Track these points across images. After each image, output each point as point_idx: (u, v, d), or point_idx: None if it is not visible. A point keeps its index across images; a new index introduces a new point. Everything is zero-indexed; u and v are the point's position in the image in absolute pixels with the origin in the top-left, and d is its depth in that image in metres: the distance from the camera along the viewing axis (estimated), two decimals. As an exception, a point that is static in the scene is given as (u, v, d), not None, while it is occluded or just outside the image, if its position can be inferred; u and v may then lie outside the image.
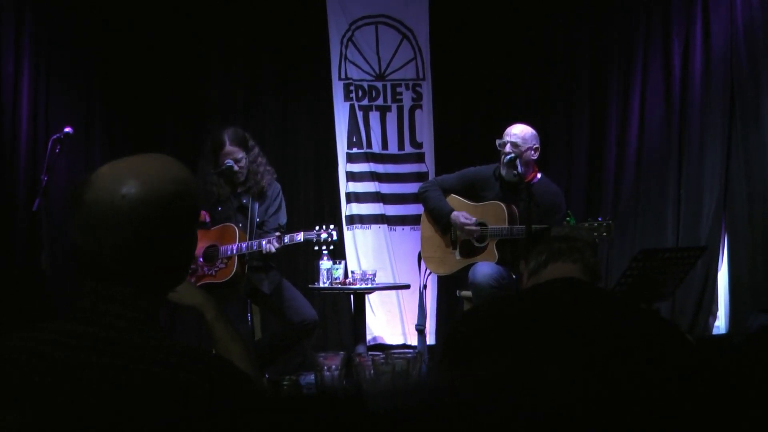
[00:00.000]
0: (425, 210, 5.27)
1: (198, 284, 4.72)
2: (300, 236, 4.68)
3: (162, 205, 1.39)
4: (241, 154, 4.76)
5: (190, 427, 1.30)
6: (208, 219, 4.78)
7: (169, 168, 1.44)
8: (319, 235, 4.68)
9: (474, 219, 4.99)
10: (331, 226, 4.76)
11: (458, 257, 5.09)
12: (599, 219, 4.64)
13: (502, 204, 4.93)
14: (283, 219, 4.96)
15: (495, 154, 5.04)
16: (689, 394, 1.46)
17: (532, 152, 4.96)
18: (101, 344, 1.35)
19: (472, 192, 5.12)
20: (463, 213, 5.02)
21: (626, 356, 1.50)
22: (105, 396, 1.30)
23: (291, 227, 4.86)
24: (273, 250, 4.60)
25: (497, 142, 4.99)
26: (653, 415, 1.44)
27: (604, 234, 4.59)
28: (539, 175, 5.03)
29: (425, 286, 5.46)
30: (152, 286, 1.43)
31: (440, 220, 5.15)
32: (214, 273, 4.73)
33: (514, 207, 4.89)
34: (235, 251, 4.68)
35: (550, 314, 1.60)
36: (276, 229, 4.87)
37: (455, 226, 5.07)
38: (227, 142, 4.73)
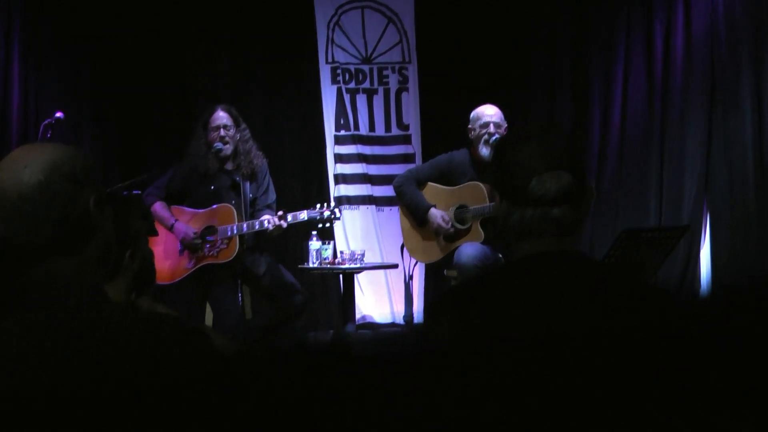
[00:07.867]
0: (401, 205, 5.27)
1: (199, 265, 4.78)
2: (303, 214, 4.75)
3: (61, 165, 1.47)
4: (230, 122, 4.87)
5: (167, 392, 1.32)
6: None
7: (52, 143, 1.58)
8: (322, 214, 4.75)
9: (450, 223, 5.02)
10: (333, 204, 4.84)
11: (443, 243, 5.10)
12: None
13: (479, 183, 4.97)
14: (272, 196, 5.04)
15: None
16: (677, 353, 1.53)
17: (505, 130, 5.02)
18: (54, 328, 1.36)
19: (447, 178, 5.13)
20: (441, 214, 5.03)
21: (614, 319, 1.52)
22: (70, 377, 1.32)
23: (279, 208, 4.90)
24: (284, 225, 4.67)
25: (479, 123, 5.03)
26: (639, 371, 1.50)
27: None
28: None
29: (411, 277, 5.51)
30: (87, 258, 1.49)
31: (417, 216, 5.14)
32: (215, 254, 4.78)
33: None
34: (236, 231, 4.73)
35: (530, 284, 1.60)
36: (267, 207, 4.95)
37: (432, 227, 5.09)
38: (218, 109, 4.88)
